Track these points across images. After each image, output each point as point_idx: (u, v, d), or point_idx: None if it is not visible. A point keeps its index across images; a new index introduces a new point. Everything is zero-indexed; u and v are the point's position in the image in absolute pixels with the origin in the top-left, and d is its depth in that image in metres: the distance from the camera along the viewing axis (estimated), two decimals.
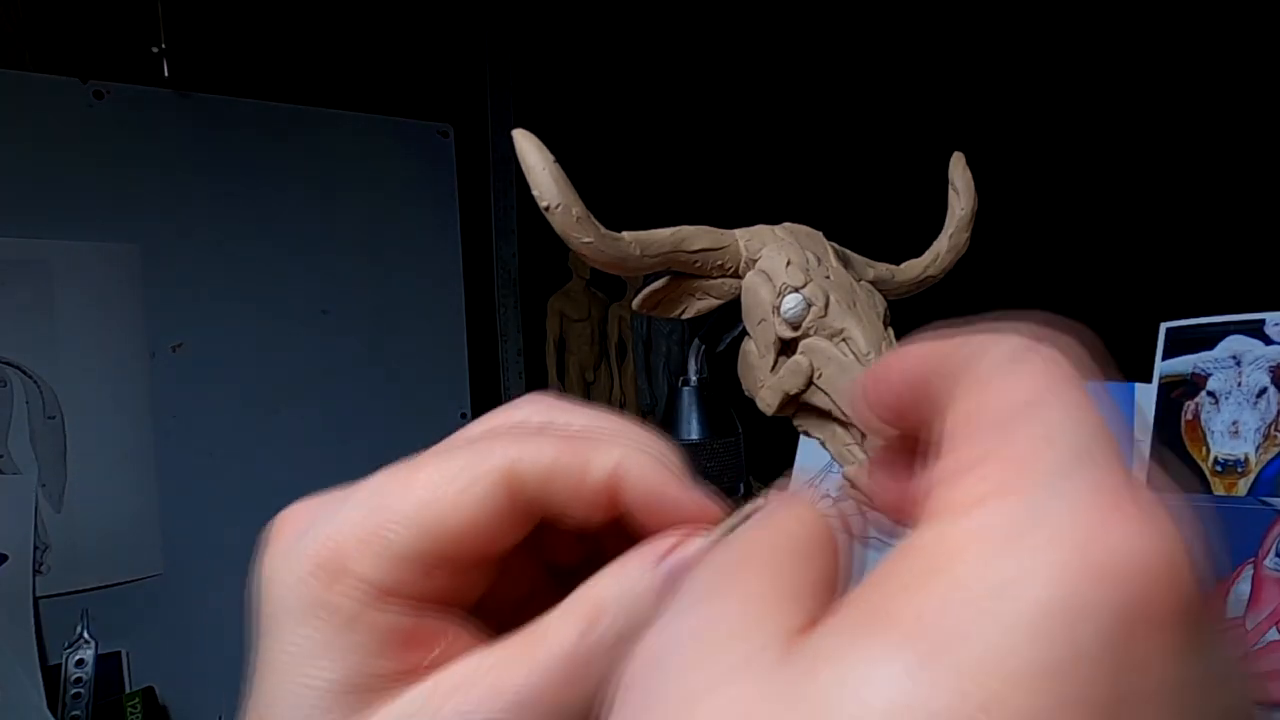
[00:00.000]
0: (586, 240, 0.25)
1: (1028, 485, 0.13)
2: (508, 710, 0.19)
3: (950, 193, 0.35)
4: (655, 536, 0.20)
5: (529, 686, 0.19)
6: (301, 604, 0.19)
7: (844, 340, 0.25)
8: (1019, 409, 0.14)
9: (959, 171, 0.35)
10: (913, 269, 0.34)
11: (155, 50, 1.13)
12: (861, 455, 0.25)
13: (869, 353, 0.25)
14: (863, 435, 0.25)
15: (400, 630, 0.19)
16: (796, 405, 0.27)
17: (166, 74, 1.14)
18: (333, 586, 0.19)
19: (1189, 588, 0.12)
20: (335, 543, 0.19)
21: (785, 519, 0.18)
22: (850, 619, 0.13)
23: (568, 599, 0.20)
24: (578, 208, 0.25)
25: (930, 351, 0.17)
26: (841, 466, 0.28)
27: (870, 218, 1.03)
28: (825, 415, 0.26)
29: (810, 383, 0.25)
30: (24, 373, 1.09)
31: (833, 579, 0.17)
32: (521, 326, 1.50)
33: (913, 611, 0.12)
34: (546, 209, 0.24)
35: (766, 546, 0.17)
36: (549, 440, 0.20)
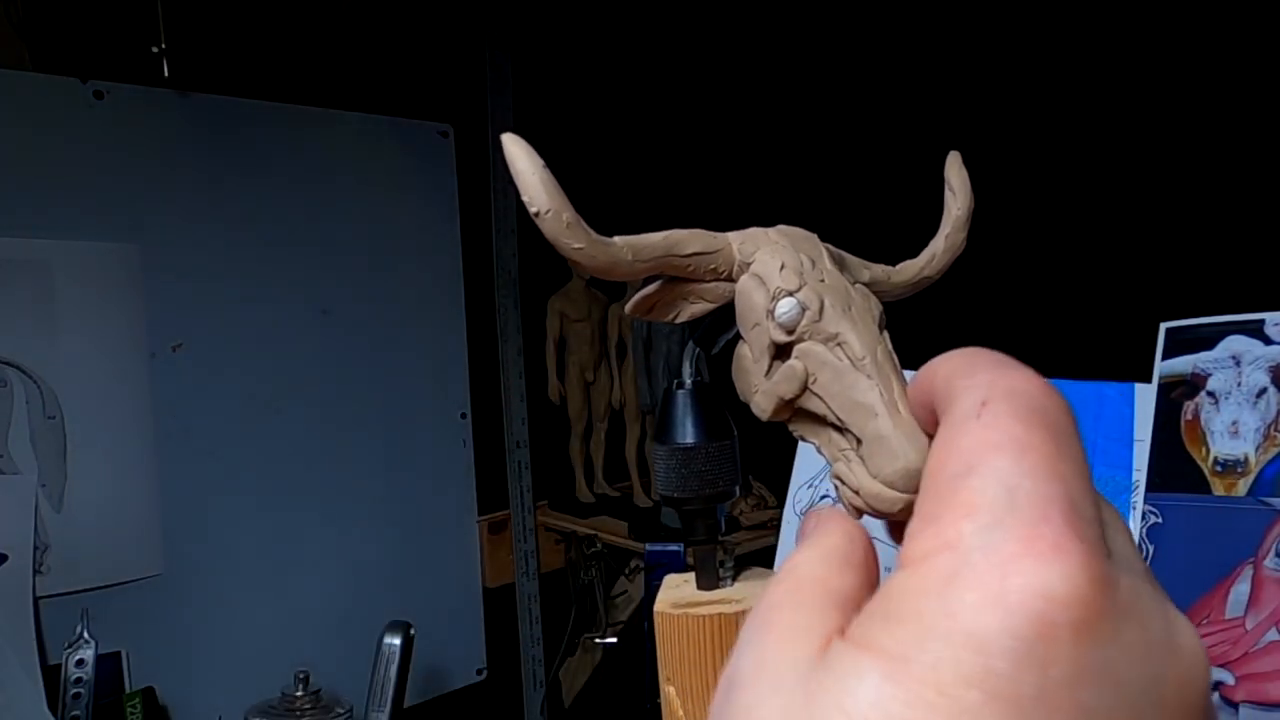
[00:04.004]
0: (577, 246, 0.25)
1: (958, 542, 0.17)
2: None
3: (946, 192, 0.35)
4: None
5: None
6: None
7: (839, 345, 0.25)
8: (960, 474, 0.18)
9: (955, 170, 0.34)
10: (909, 270, 0.34)
11: (155, 50, 1.13)
12: (856, 459, 0.25)
13: (864, 357, 0.25)
14: (858, 440, 0.24)
15: None
16: (792, 410, 0.27)
17: (166, 74, 1.14)
18: None
19: (1085, 604, 0.16)
20: None
21: (828, 536, 0.22)
22: (852, 639, 0.18)
23: None
24: (568, 213, 0.25)
25: (929, 375, 0.22)
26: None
27: (866, 218, 1.03)
28: (820, 420, 0.26)
29: (805, 388, 0.25)
30: (24, 373, 1.09)
31: (871, 579, 0.21)
32: (521, 326, 1.50)
33: (884, 639, 0.17)
34: (536, 214, 0.24)
35: (809, 566, 0.21)
36: None
